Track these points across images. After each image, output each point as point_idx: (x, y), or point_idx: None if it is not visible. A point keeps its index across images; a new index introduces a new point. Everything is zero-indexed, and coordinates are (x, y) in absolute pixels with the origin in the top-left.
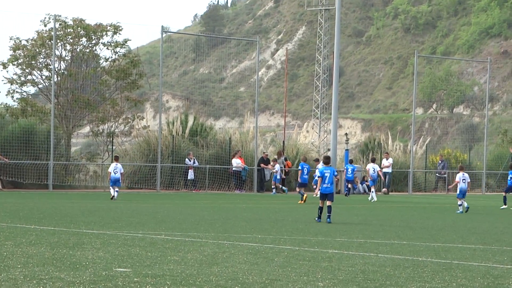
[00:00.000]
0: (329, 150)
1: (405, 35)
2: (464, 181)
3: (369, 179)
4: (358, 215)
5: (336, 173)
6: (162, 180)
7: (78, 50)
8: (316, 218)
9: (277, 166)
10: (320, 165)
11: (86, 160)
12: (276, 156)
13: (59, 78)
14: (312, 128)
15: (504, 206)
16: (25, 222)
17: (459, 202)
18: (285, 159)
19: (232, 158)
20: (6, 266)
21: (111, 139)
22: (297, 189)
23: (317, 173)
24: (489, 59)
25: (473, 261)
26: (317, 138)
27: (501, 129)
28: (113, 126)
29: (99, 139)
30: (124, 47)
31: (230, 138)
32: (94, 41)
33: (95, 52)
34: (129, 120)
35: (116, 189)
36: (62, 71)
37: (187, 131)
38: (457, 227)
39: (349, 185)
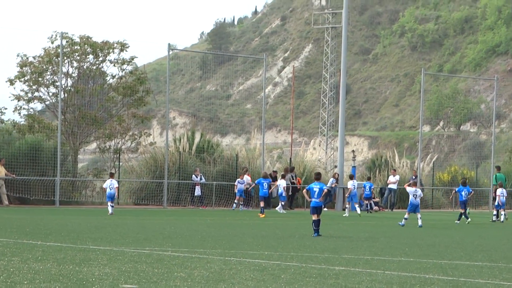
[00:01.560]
0: (335, 167)
1: (412, 53)
2: (415, 196)
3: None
4: (365, 232)
5: (324, 188)
6: (169, 196)
7: (85, 67)
8: (314, 234)
9: (282, 182)
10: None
11: (93, 176)
12: (283, 173)
13: (66, 95)
14: (319, 145)
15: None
16: (31, 238)
17: (406, 216)
18: (295, 176)
19: (242, 176)
20: (13, 282)
21: (117, 155)
22: (261, 204)
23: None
24: (496, 77)
25: (480, 278)
26: (324, 155)
27: (508, 146)
28: (120, 142)
29: (106, 155)
30: (130, 64)
31: (237, 155)
32: (101, 58)
33: (102, 69)
34: (136, 136)
35: (111, 204)
36: (69, 87)
37: (193, 147)
38: (464, 244)
39: (366, 202)
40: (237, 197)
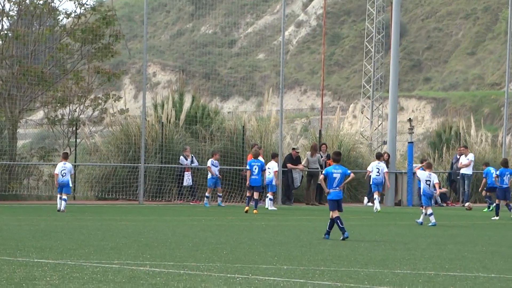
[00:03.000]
0: (385, 143)
1: None
2: (428, 184)
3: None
4: (427, 236)
5: (349, 172)
6: (147, 187)
7: (28, 1)
8: (325, 236)
9: (273, 165)
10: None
11: (39, 159)
12: (309, 153)
13: (1, 42)
14: (362, 112)
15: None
16: None
17: (429, 211)
18: (327, 157)
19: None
20: None
21: (74, 128)
22: (247, 193)
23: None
24: None
25: None
26: (368, 126)
27: None
28: (78, 110)
29: (58, 128)
30: None
31: (244, 127)
32: None
33: (52, 4)
34: (100, 101)
35: (64, 196)
36: (5, 31)
37: (182, 117)
38: None
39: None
40: (209, 188)
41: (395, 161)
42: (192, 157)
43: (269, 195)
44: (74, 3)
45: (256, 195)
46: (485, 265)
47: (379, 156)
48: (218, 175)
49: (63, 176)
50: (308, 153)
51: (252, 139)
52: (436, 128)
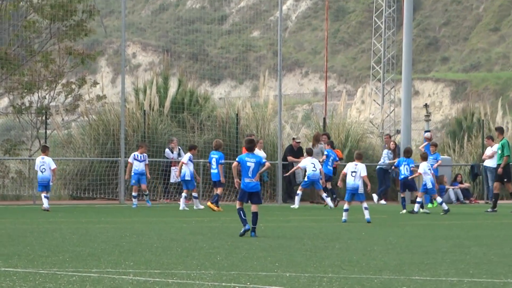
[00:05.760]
0: (398, 132)
1: None
2: (353, 174)
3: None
4: (448, 238)
5: (264, 161)
6: (128, 185)
7: None
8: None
9: (307, 160)
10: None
11: (4, 153)
12: (294, 142)
13: None
14: (370, 96)
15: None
16: None
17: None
18: (332, 147)
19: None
20: None
21: (44, 118)
22: (215, 191)
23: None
24: None
25: None
26: (378, 112)
27: None
28: (48, 97)
29: (25, 118)
30: None
31: (237, 115)
32: None
33: None
34: (74, 87)
35: (45, 194)
36: None
37: (167, 103)
38: None
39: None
40: (134, 186)
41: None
42: (179, 149)
43: (187, 194)
44: None
45: (217, 190)
46: None
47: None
48: (197, 177)
49: (42, 172)
50: (310, 144)
51: (247, 128)
52: (455, 115)
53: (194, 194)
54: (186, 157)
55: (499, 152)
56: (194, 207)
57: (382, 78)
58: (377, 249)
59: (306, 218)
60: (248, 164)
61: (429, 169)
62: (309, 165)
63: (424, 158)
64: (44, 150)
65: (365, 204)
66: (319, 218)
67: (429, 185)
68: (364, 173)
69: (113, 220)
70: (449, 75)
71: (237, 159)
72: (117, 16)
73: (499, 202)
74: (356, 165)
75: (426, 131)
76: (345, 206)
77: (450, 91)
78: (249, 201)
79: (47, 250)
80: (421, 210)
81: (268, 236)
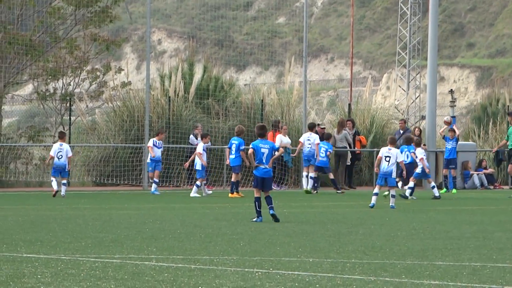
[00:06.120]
0: (423, 118)
1: None
2: (387, 158)
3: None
4: (471, 223)
5: (277, 147)
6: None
7: None
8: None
9: (200, 147)
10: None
11: (28, 140)
12: (335, 130)
13: None
14: (395, 82)
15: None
16: None
17: (376, 190)
18: (356, 134)
19: (275, 134)
20: None
21: (68, 104)
22: (233, 178)
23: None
24: None
25: None
26: (404, 99)
27: None
28: (72, 83)
29: (49, 105)
30: None
31: (262, 101)
32: None
33: None
34: (98, 73)
35: (64, 181)
36: None
37: (192, 90)
38: None
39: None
40: (150, 173)
41: (435, 139)
42: None
43: (196, 183)
44: None
45: (234, 177)
46: None
47: (311, 127)
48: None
49: (59, 158)
50: (335, 130)
51: (272, 114)
52: (481, 101)
53: (198, 183)
54: (200, 146)
55: None
56: (191, 194)
57: (408, 64)
58: (401, 234)
59: (330, 204)
60: (263, 150)
61: (424, 155)
62: (306, 142)
63: (409, 142)
64: (62, 136)
65: (393, 191)
66: (343, 203)
67: (418, 170)
68: (400, 158)
69: (136, 206)
70: (475, 61)
71: (251, 146)
72: (143, 3)
73: None
74: (390, 149)
75: (451, 117)
76: (375, 190)
77: (475, 77)
78: (262, 190)
79: (69, 236)
80: (409, 197)
81: (291, 222)
